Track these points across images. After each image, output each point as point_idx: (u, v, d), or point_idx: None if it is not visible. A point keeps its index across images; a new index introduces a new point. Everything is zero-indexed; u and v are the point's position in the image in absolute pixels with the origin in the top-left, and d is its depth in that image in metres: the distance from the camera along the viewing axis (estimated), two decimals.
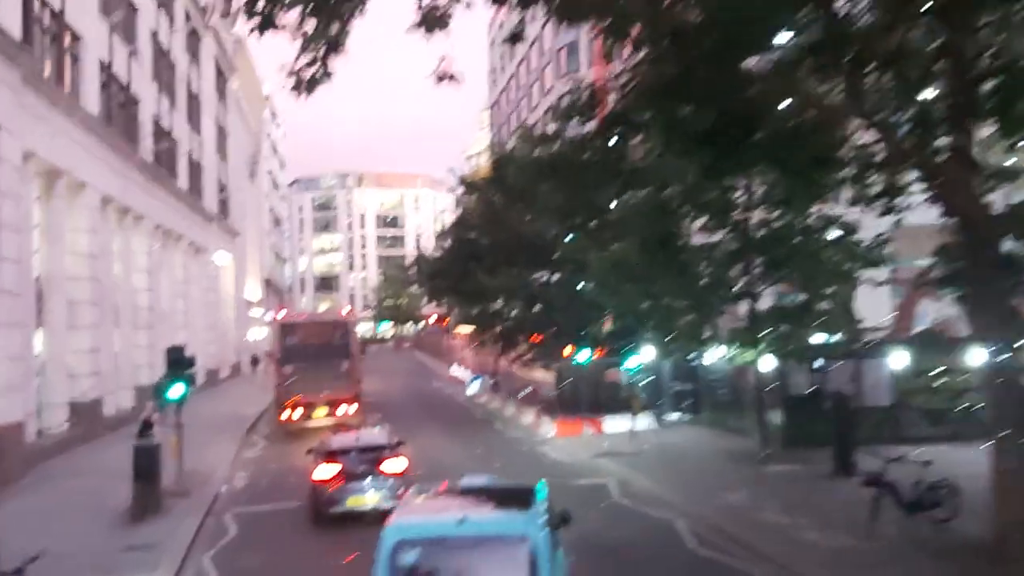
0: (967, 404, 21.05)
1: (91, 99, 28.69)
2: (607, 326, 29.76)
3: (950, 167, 12.50)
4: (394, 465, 16.83)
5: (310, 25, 12.22)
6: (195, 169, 48.00)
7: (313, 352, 30.29)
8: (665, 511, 16.90)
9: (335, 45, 11.84)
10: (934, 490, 14.16)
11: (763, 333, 21.18)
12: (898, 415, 22.37)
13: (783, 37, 12.71)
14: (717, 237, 22.22)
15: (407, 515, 9.09)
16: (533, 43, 61.89)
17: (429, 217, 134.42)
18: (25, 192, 22.82)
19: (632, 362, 26.28)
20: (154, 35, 38.81)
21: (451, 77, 13.31)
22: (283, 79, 12.31)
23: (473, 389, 41.65)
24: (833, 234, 20.75)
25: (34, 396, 23.34)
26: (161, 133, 39.30)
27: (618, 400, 29.11)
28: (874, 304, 26.97)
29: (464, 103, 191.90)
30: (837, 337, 23.48)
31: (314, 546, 15.63)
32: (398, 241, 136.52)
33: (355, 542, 14.81)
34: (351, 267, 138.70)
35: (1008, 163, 15.06)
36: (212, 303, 51.73)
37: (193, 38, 48.24)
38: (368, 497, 16.35)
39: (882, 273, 22.34)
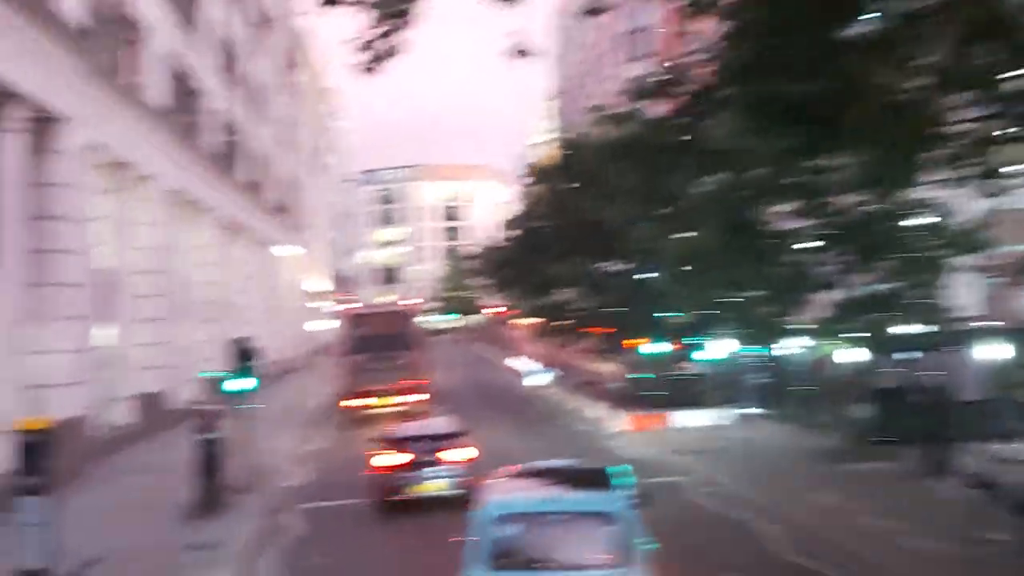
0: None
1: (155, 91, 28.58)
2: (681, 317, 28.76)
3: None
4: (459, 454, 16.79)
5: None
6: (259, 162, 48.11)
7: (380, 343, 30.66)
8: (749, 512, 15.96)
9: (403, 15, 11.26)
10: None
11: (849, 323, 20.01)
12: (995, 410, 21.00)
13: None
14: (801, 223, 21.11)
15: (501, 492, 9.46)
16: (601, 27, 60.79)
17: (489, 209, 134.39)
18: (87, 184, 22.66)
19: (707, 354, 25.33)
20: (219, 26, 38.78)
21: (524, 53, 12.63)
22: (351, 54, 11.73)
23: (535, 380, 40.97)
24: (927, 218, 19.52)
25: (97, 390, 23.17)
26: (225, 126, 39.31)
27: (692, 394, 28.17)
28: (970, 292, 25.54)
29: (518, 96, 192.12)
30: (929, 327, 22.19)
31: (383, 540, 15.19)
32: (459, 233, 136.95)
33: (423, 533, 14.46)
34: (415, 259, 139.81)
35: None
36: (276, 296, 51.91)
37: (258, 29, 48.30)
38: (432, 484, 16.37)
39: (979, 259, 21.00)
